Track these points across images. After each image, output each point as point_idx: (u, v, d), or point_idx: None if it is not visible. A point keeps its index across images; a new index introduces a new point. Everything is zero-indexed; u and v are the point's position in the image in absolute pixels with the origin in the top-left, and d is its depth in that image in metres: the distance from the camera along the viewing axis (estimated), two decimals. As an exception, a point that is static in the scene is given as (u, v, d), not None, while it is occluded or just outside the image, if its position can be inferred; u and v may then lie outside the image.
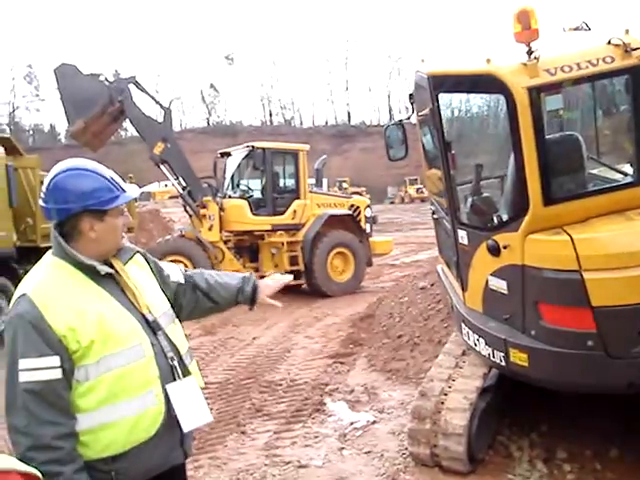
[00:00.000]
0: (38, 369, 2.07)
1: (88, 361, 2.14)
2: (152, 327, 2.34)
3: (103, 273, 2.27)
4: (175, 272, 2.74)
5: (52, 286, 2.20)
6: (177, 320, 2.57)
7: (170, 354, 2.36)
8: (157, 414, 2.26)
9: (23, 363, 2.08)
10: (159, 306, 2.45)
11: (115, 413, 2.17)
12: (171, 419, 2.30)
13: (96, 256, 2.28)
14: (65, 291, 2.19)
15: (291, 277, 3.08)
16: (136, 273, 2.46)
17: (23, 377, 2.07)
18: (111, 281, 2.32)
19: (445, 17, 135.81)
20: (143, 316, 2.33)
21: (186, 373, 2.41)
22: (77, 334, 2.12)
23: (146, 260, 2.60)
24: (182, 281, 2.73)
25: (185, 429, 2.34)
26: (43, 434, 2.05)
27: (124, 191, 2.33)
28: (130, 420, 2.19)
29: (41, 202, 2.26)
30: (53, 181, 2.24)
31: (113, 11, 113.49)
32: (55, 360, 2.09)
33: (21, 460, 1.89)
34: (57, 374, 2.09)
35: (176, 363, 2.37)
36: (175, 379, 2.34)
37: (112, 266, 2.35)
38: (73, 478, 2.06)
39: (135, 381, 2.22)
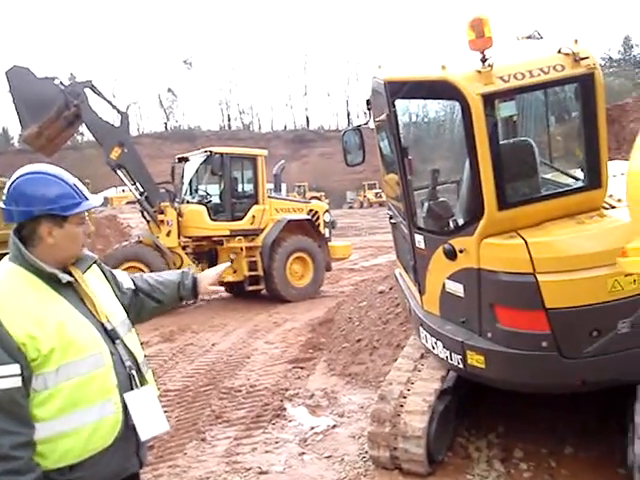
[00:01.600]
0: None
1: (47, 369, 2.11)
2: (111, 336, 2.33)
3: (64, 281, 2.25)
4: (126, 279, 2.75)
5: (10, 293, 2.16)
6: (133, 329, 2.56)
7: (128, 363, 2.36)
8: (115, 423, 2.25)
9: None
10: (117, 315, 2.45)
11: (73, 422, 2.15)
12: (128, 428, 2.29)
13: (54, 263, 2.25)
14: (24, 299, 2.16)
15: (228, 264, 3.16)
16: (94, 282, 2.45)
17: None
18: (70, 290, 2.30)
19: (402, 24, 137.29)
20: (102, 325, 2.32)
21: (143, 382, 2.40)
22: (37, 342, 2.09)
23: (101, 269, 2.59)
24: (133, 287, 2.74)
25: (143, 438, 2.33)
26: (1, 444, 2.01)
27: (86, 199, 2.31)
28: (88, 429, 2.17)
29: (1, 204, 2.24)
30: (15, 183, 2.23)
31: (68, 13, 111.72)
32: (15, 368, 2.06)
33: None
34: (17, 382, 2.06)
35: (134, 372, 2.36)
36: (133, 388, 2.33)
37: (71, 274, 2.32)
38: None
39: (94, 390, 2.20)
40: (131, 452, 2.36)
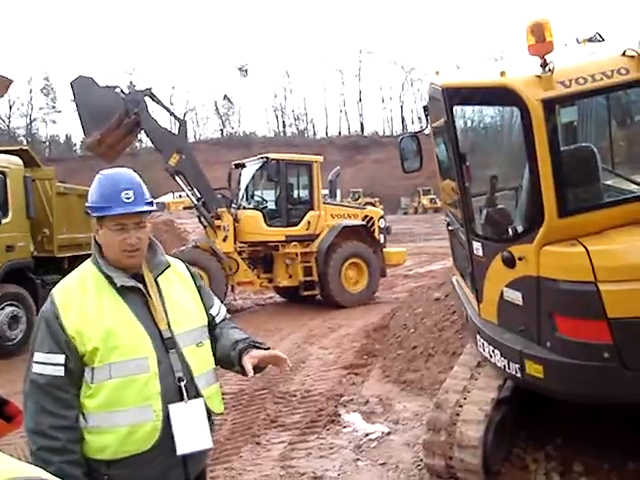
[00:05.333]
0: (46, 364, 2.22)
1: (94, 365, 2.23)
2: (165, 344, 2.32)
3: (118, 285, 2.31)
4: (217, 305, 2.70)
5: (75, 289, 2.32)
6: (206, 342, 2.50)
7: (179, 374, 2.32)
8: (152, 430, 2.24)
9: (36, 356, 2.25)
10: (185, 323, 2.41)
11: (111, 420, 2.22)
12: (170, 438, 2.26)
13: (115, 265, 2.33)
14: (84, 296, 2.29)
15: (277, 352, 2.67)
16: (171, 286, 2.46)
17: (34, 368, 2.24)
18: (134, 293, 2.34)
19: (458, 28, 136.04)
20: (159, 332, 2.33)
21: (196, 396, 2.35)
22: (83, 338, 2.22)
23: (193, 278, 2.60)
24: (217, 320, 2.67)
25: (179, 451, 2.26)
26: (41, 421, 2.18)
27: (123, 206, 2.28)
28: (123, 430, 2.22)
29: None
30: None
31: (128, 24, 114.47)
32: (60, 358, 2.21)
33: (28, 440, 2.16)
34: (60, 371, 2.21)
35: (184, 384, 2.31)
36: (181, 400, 2.30)
37: (143, 278, 2.38)
38: (62, 468, 2.12)
39: (133, 393, 2.24)
40: (174, 464, 2.31)
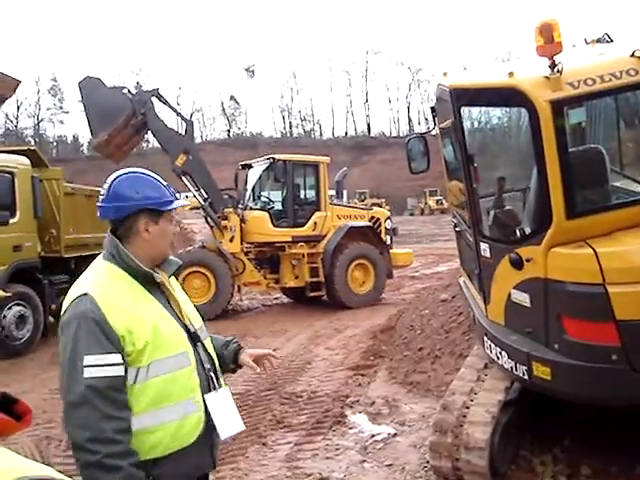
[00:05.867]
0: (103, 365, 2.14)
1: (140, 364, 2.21)
2: (193, 338, 2.42)
3: (158, 281, 2.37)
4: None
5: (110, 289, 2.27)
6: (209, 337, 2.63)
7: (207, 365, 2.44)
8: (198, 421, 2.33)
9: (88, 359, 2.13)
10: (197, 319, 2.53)
11: (161, 417, 2.24)
12: (207, 428, 2.37)
13: (147, 262, 2.36)
14: (122, 296, 2.27)
15: (269, 351, 2.90)
16: (176, 286, 2.55)
17: (87, 373, 2.12)
18: (159, 291, 2.40)
19: (466, 29, 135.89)
20: (186, 327, 2.41)
21: (221, 384, 2.49)
22: (134, 336, 2.19)
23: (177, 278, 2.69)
24: None
25: (222, 437, 2.41)
26: (105, 428, 2.09)
27: (177, 198, 2.45)
28: (174, 424, 2.26)
29: (100, 202, 2.37)
30: (116, 181, 2.36)
31: (135, 24, 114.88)
32: (117, 357, 2.16)
33: (83, 453, 2.05)
34: (120, 371, 2.17)
35: (212, 374, 2.45)
36: (211, 390, 2.42)
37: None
38: (131, 472, 2.10)
39: (180, 387, 2.29)
40: (207, 451, 2.43)
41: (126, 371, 2.18)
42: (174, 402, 2.26)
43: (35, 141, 73.23)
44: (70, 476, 1.30)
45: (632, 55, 3.81)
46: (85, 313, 2.18)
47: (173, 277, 2.56)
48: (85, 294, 2.22)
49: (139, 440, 2.20)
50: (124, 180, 2.37)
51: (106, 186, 2.37)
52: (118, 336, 2.17)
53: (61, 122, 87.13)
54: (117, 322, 2.18)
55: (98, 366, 2.13)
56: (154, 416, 2.22)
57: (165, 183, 2.45)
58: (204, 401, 2.37)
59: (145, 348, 2.20)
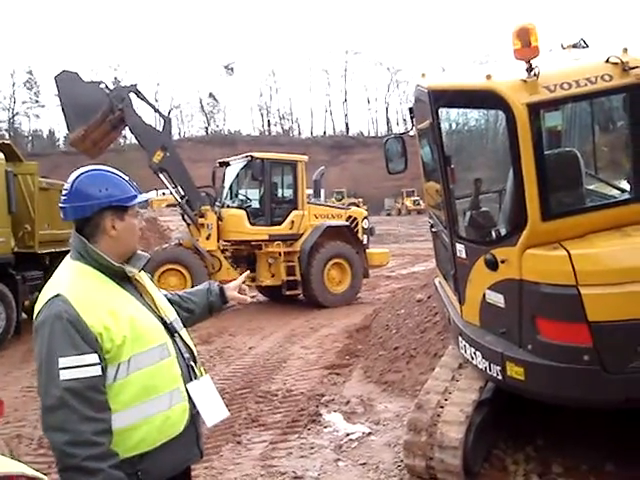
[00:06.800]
0: (80, 366, 2.11)
1: (120, 360, 2.19)
2: (170, 329, 2.43)
3: (131, 275, 2.37)
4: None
5: (83, 287, 2.26)
6: (184, 327, 2.65)
7: (187, 355, 2.48)
8: (183, 411, 2.35)
9: (63, 361, 2.10)
10: (171, 311, 2.55)
11: (146, 411, 2.23)
12: (192, 417, 2.39)
13: (116, 257, 2.35)
14: (95, 293, 2.25)
15: (247, 273, 3.38)
16: (147, 280, 2.55)
17: (64, 375, 2.09)
18: (131, 285, 2.40)
19: (445, 31, 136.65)
20: (162, 319, 2.42)
21: (201, 373, 2.52)
22: (112, 332, 2.17)
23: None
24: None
25: (209, 424, 2.46)
26: (84, 430, 2.07)
27: (140, 192, 2.46)
28: (161, 416, 2.26)
29: (62, 204, 2.33)
30: (77, 181, 2.33)
31: (114, 19, 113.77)
32: (95, 357, 2.14)
33: (61, 456, 2.02)
34: (98, 371, 2.14)
35: (192, 363, 2.48)
36: (192, 379, 2.44)
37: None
38: (111, 474, 2.08)
39: (163, 379, 2.31)
40: (193, 441, 2.44)
41: (105, 370, 2.16)
42: (159, 394, 2.27)
43: (10, 135, 72.09)
44: (42, 474, 1.30)
45: (607, 61, 3.86)
46: (59, 314, 2.14)
47: (143, 271, 2.54)
48: (57, 295, 2.19)
49: (124, 437, 2.18)
50: (85, 178, 2.34)
51: (67, 186, 2.33)
52: (95, 334, 2.14)
53: (37, 116, 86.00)
54: (93, 320, 2.15)
55: (74, 367, 2.10)
56: (139, 411, 2.22)
57: (127, 178, 2.44)
58: (187, 391, 2.39)
59: (124, 343, 2.19)
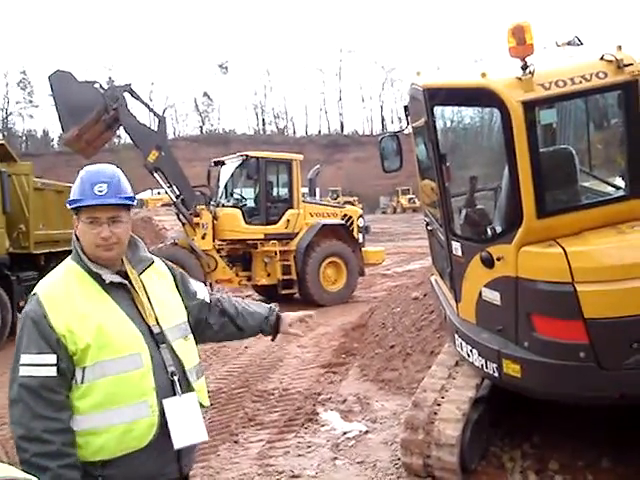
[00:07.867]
0: (35, 365, 2.15)
1: (85, 364, 2.18)
2: (156, 339, 2.33)
3: (107, 282, 2.30)
4: (202, 290, 2.75)
5: (61, 288, 2.27)
6: (190, 336, 2.53)
7: (171, 368, 2.33)
8: (150, 426, 2.24)
9: (24, 358, 2.17)
10: (171, 318, 2.43)
11: (107, 419, 2.18)
12: (165, 434, 2.26)
13: (95, 260, 2.31)
14: (71, 295, 2.25)
15: (313, 313, 3.21)
16: (153, 283, 2.46)
17: (22, 371, 2.16)
18: (121, 289, 2.34)
19: (439, 29, 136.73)
20: (148, 327, 2.33)
21: (189, 389, 2.38)
22: (75, 336, 2.17)
23: (171, 271, 2.62)
24: (207, 300, 2.74)
25: (176, 446, 2.27)
26: (34, 427, 2.11)
27: (94, 199, 2.28)
28: (120, 428, 2.19)
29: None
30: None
31: (108, 19, 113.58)
32: (51, 358, 2.15)
33: (17, 450, 2.07)
34: (52, 372, 2.15)
35: (177, 378, 2.33)
36: (174, 394, 2.31)
37: (126, 274, 2.37)
38: (60, 473, 2.08)
39: (130, 390, 2.22)
40: (169, 458, 2.32)
41: (63, 371, 2.17)
42: (122, 405, 2.20)
43: (3, 135, 71.77)
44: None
45: (601, 58, 3.87)
46: (28, 313, 2.23)
47: (154, 273, 2.49)
48: (34, 294, 2.27)
49: (88, 440, 2.18)
50: (79, 175, 2.37)
51: None
52: (58, 336, 2.16)
53: (30, 116, 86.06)
54: (58, 322, 2.17)
55: (31, 365, 2.15)
56: (102, 417, 2.18)
57: (94, 182, 2.29)
58: (161, 405, 2.27)
59: (87, 348, 2.17)
